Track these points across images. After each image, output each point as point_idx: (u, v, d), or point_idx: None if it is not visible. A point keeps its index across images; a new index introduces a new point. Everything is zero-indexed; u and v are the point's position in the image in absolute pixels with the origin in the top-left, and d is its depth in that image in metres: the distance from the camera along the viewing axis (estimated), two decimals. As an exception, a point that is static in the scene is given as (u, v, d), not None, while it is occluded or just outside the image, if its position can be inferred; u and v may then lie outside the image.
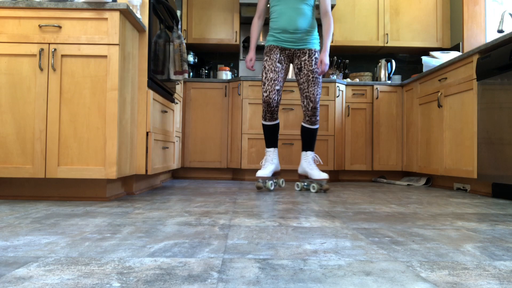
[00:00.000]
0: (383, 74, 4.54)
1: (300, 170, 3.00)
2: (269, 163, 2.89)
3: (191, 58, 4.57)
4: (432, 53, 4.04)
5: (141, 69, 2.54)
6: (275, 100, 2.82)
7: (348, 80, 4.46)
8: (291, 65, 3.81)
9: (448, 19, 4.55)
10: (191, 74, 4.66)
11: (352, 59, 4.95)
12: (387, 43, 4.54)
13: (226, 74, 4.48)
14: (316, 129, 2.95)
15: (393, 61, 4.54)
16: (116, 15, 2.15)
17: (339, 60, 4.61)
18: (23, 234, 1.27)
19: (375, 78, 4.73)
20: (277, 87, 2.82)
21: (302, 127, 2.96)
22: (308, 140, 2.96)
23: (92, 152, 2.12)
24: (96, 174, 2.11)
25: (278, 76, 2.84)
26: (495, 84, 2.62)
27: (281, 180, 3.09)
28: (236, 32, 4.54)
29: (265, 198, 2.43)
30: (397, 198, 2.53)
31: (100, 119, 2.13)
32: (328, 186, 2.90)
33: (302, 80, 2.88)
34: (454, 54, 3.90)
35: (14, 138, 2.12)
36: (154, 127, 2.67)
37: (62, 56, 2.14)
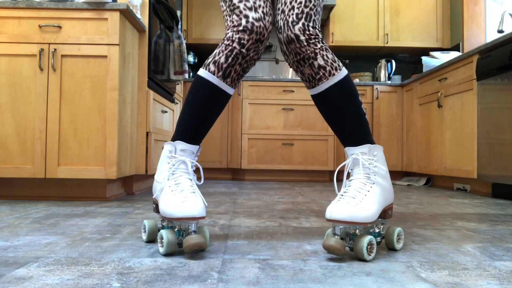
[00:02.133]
0: (383, 74, 4.54)
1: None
2: (191, 181, 1.14)
3: (191, 58, 4.57)
4: (432, 53, 4.04)
5: (141, 69, 2.54)
6: (268, 28, 1.20)
7: (348, 80, 4.45)
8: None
9: (448, 19, 4.55)
10: (191, 74, 4.66)
11: (352, 59, 4.95)
12: (387, 43, 4.54)
13: (226, 74, 4.47)
14: (344, 80, 1.18)
15: (393, 61, 4.54)
16: (116, 15, 2.15)
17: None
18: (23, 234, 1.27)
19: (375, 78, 4.73)
20: (272, 13, 1.23)
21: (313, 97, 1.24)
22: (342, 116, 1.19)
23: (92, 152, 2.12)
24: (96, 174, 2.10)
25: None
26: (495, 84, 2.62)
27: (204, 231, 1.15)
28: (236, 32, 4.53)
29: (265, 198, 2.43)
30: (397, 198, 2.53)
31: (100, 119, 2.13)
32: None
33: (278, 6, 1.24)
34: (454, 54, 3.90)
35: (14, 138, 2.12)
36: (154, 127, 2.67)
37: (62, 56, 2.14)
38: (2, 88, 2.13)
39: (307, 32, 1.16)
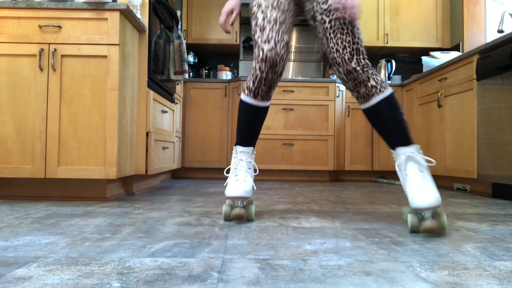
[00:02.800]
0: (383, 74, 4.54)
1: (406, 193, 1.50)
2: (245, 172, 1.62)
3: (191, 58, 4.57)
4: (432, 53, 4.04)
5: (141, 69, 2.54)
6: (283, 57, 1.55)
7: (348, 80, 4.46)
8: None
9: (448, 19, 4.55)
10: (191, 74, 4.66)
11: (352, 59, 4.95)
12: (387, 43, 4.54)
13: (226, 74, 4.48)
14: (388, 98, 1.49)
15: (393, 61, 4.54)
16: (116, 15, 2.15)
17: (339, 60, 4.60)
18: (23, 234, 1.27)
19: (375, 78, 4.73)
20: (286, 37, 1.57)
21: (365, 110, 1.56)
22: (389, 125, 1.48)
23: (92, 152, 2.12)
24: (96, 174, 2.11)
25: (285, 18, 1.59)
26: (495, 84, 2.63)
27: (251, 208, 1.60)
28: (236, 32, 4.54)
29: (265, 198, 2.43)
30: (397, 198, 2.53)
31: (100, 119, 2.13)
32: (438, 225, 1.32)
33: (320, 34, 1.60)
34: (454, 54, 3.90)
35: (14, 138, 2.12)
36: (154, 127, 2.67)
37: (62, 56, 2.14)
38: (2, 88, 2.13)
39: (361, 64, 1.52)
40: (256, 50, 1.57)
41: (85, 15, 2.15)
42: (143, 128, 2.54)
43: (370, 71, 1.52)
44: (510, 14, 3.52)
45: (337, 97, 4.12)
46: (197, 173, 4.30)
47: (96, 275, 0.86)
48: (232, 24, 1.71)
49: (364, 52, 1.54)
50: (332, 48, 1.54)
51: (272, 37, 1.54)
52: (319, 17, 1.58)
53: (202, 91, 4.25)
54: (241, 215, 1.50)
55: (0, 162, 2.11)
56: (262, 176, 4.09)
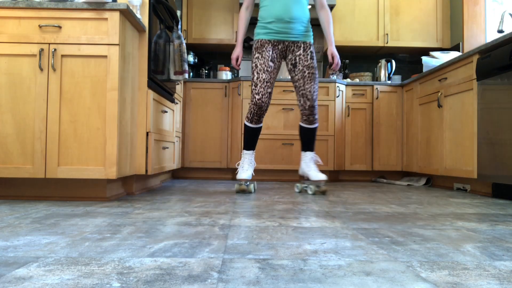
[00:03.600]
0: (383, 74, 4.54)
1: (300, 171, 2.82)
2: (248, 165, 2.72)
3: (191, 58, 4.57)
4: (432, 53, 4.04)
5: (141, 69, 2.54)
6: (267, 103, 2.62)
7: (348, 80, 4.46)
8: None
9: (448, 19, 4.55)
10: (191, 74, 4.66)
11: (352, 59, 4.95)
12: (387, 43, 4.54)
13: (226, 74, 4.48)
14: (315, 128, 2.74)
15: (393, 61, 4.54)
16: (116, 15, 2.15)
17: (339, 60, 4.60)
18: (23, 234, 1.27)
19: (375, 78, 4.73)
20: (270, 90, 2.62)
21: (300, 127, 2.76)
22: (307, 140, 2.76)
23: (92, 152, 2.12)
24: (96, 174, 2.11)
25: (271, 77, 2.62)
26: (495, 84, 2.63)
27: (252, 185, 2.81)
28: (236, 32, 4.54)
29: (265, 198, 2.43)
30: (397, 198, 2.53)
31: (100, 119, 2.13)
32: (326, 188, 2.70)
33: (297, 77, 2.65)
34: (454, 54, 3.90)
35: (14, 138, 2.12)
36: (154, 127, 2.67)
37: (62, 56, 2.14)
38: (2, 88, 2.13)
39: (316, 105, 2.69)
40: (251, 95, 2.66)
41: (85, 15, 2.15)
42: (143, 128, 2.54)
43: (316, 110, 2.71)
44: (510, 14, 3.52)
45: (337, 97, 4.12)
46: (197, 173, 4.30)
47: (96, 275, 0.86)
48: (239, 65, 2.76)
49: (316, 98, 2.69)
50: (307, 89, 2.65)
51: (260, 92, 2.61)
52: (300, 68, 2.65)
53: (202, 91, 4.25)
54: (244, 189, 2.70)
55: (0, 162, 2.11)
56: (262, 176, 4.09)
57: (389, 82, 4.31)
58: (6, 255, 1.03)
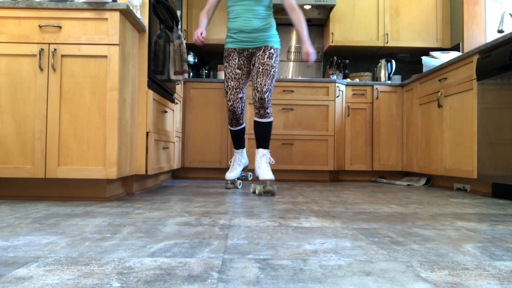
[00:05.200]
0: (383, 74, 4.54)
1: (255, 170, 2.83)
2: (237, 165, 3.01)
3: (191, 58, 4.57)
4: (432, 53, 4.04)
5: (141, 69, 2.54)
6: (239, 108, 2.83)
7: (348, 80, 4.46)
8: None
9: (448, 19, 4.55)
10: (191, 74, 4.66)
11: (352, 59, 4.95)
12: (387, 43, 4.54)
13: (226, 74, 4.48)
14: (267, 123, 2.75)
15: (393, 61, 4.54)
16: (116, 15, 2.15)
17: (339, 60, 4.60)
18: (23, 234, 1.27)
19: (375, 78, 4.73)
20: (240, 95, 2.82)
21: (254, 122, 2.80)
22: (259, 135, 2.77)
23: (92, 152, 2.12)
24: (96, 174, 2.11)
25: (239, 83, 2.82)
26: (495, 84, 2.63)
27: (248, 174, 3.30)
28: (236, 32, 4.54)
29: (265, 198, 2.43)
30: (397, 198, 2.53)
31: (100, 119, 2.13)
32: (272, 189, 2.58)
33: (253, 73, 2.79)
34: (454, 54, 3.90)
35: (14, 138, 2.12)
36: (154, 127, 2.67)
37: (62, 56, 2.14)
38: (2, 88, 2.13)
39: (268, 98, 2.73)
40: (226, 96, 2.88)
41: (85, 15, 2.15)
42: (143, 128, 2.54)
43: (270, 104, 2.75)
44: (510, 14, 3.52)
45: (337, 97, 4.12)
46: (197, 173, 4.30)
47: (96, 275, 0.86)
48: (201, 41, 2.75)
49: (271, 91, 2.74)
50: (258, 82, 2.73)
51: (231, 98, 2.84)
52: (257, 65, 2.78)
53: (202, 91, 4.25)
54: (229, 188, 3.05)
55: (0, 162, 2.11)
56: (262, 176, 4.09)
57: (389, 82, 4.31)
58: (6, 255, 1.03)
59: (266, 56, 2.78)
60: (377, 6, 4.57)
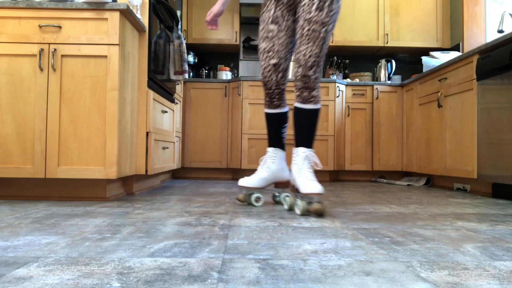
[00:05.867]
0: (383, 74, 4.54)
1: (291, 178, 1.95)
2: (264, 170, 2.05)
3: (191, 58, 4.57)
4: (432, 53, 4.04)
5: (141, 69, 2.54)
6: (272, 79, 2.04)
7: (348, 80, 4.46)
8: None
9: (448, 19, 4.55)
10: (191, 74, 4.66)
11: (352, 59, 4.95)
12: (387, 43, 4.54)
13: (226, 74, 4.48)
14: (313, 111, 1.94)
15: (393, 61, 4.54)
16: (116, 15, 2.15)
17: (339, 60, 4.60)
18: (23, 234, 1.27)
19: (375, 78, 4.73)
20: (274, 61, 2.02)
21: (294, 108, 1.99)
22: (301, 128, 1.94)
23: (92, 152, 2.12)
24: (96, 174, 2.11)
25: (274, 44, 2.02)
26: (495, 84, 2.63)
27: (283, 196, 2.04)
28: (236, 32, 4.54)
29: (265, 198, 2.43)
30: (397, 198, 2.53)
31: (100, 119, 2.13)
32: (321, 208, 1.72)
33: (297, 36, 1.97)
34: (454, 54, 3.90)
35: (14, 138, 2.12)
36: (154, 127, 2.67)
37: (62, 56, 2.14)
38: (2, 88, 2.13)
39: (316, 74, 1.91)
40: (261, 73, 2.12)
41: (85, 15, 2.15)
42: (143, 128, 2.54)
43: (318, 84, 1.93)
44: (510, 14, 3.52)
45: (337, 97, 4.12)
46: (197, 173, 4.30)
47: (96, 275, 0.86)
48: (214, 24, 2.20)
49: (321, 65, 1.92)
50: (301, 51, 1.90)
51: (262, 66, 2.07)
52: (301, 23, 1.92)
53: (202, 91, 4.25)
54: (240, 199, 2.11)
55: (0, 162, 2.11)
56: (262, 176, 4.09)
57: (389, 82, 4.31)
58: (6, 255, 1.03)
59: (314, 7, 1.88)
60: (377, 6, 4.57)
